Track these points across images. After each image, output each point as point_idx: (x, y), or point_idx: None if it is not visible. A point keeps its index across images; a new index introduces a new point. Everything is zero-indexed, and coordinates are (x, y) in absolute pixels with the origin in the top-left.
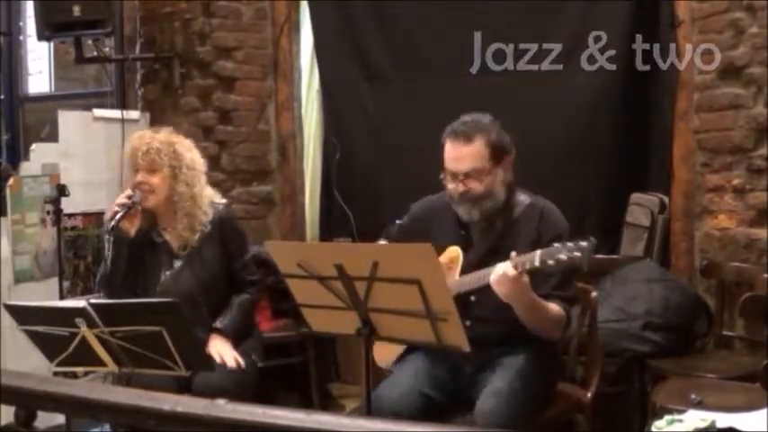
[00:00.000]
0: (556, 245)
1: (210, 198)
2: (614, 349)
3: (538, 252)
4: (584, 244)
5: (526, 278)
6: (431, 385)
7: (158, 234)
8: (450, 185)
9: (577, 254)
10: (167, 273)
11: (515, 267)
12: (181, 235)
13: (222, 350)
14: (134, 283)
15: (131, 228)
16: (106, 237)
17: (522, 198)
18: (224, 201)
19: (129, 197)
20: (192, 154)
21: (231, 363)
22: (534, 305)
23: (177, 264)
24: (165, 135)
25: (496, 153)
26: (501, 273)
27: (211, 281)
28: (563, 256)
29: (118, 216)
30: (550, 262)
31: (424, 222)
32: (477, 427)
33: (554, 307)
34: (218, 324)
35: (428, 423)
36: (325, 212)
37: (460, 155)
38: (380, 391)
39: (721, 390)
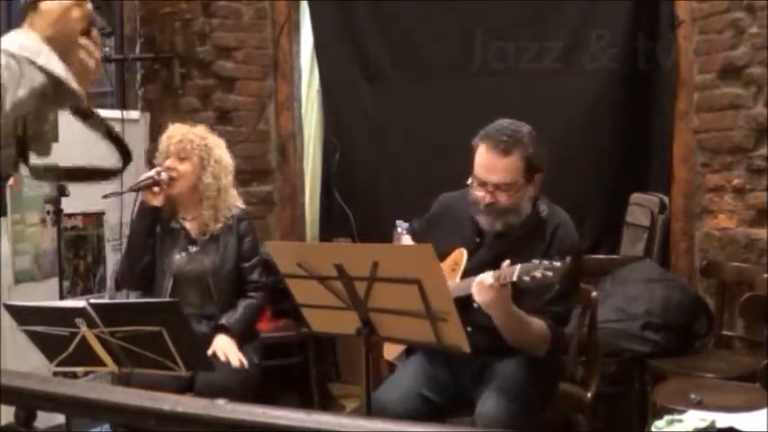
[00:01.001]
0: (534, 261)
1: (234, 198)
2: (614, 349)
3: (518, 267)
4: (557, 264)
5: (508, 291)
6: (430, 387)
7: (177, 221)
8: (478, 193)
9: (549, 273)
10: (182, 254)
11: (496, 279)
12: (205, 223)
13: (228, 350)
14: (153, 256)
15: (153, 199)
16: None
17: (542, 209)
18: (243, 206)
19: (158, 173)
20: (221, 151)
21: (236, 362)
22: (514, 319)
23: (193, 249)
24: (200, 129)
25: (530, 169)
26: (479, 282)
27: (223, 268)
28: (538, 274)
29: (142, 184)
30: (525, 278)
31: (440, 218)
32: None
33: (537, 324)
34: (224, 321)
35: (428, 423)
36: (325, 212)
37: (494, 166)
38: (380, 393)
39: (721, 390)
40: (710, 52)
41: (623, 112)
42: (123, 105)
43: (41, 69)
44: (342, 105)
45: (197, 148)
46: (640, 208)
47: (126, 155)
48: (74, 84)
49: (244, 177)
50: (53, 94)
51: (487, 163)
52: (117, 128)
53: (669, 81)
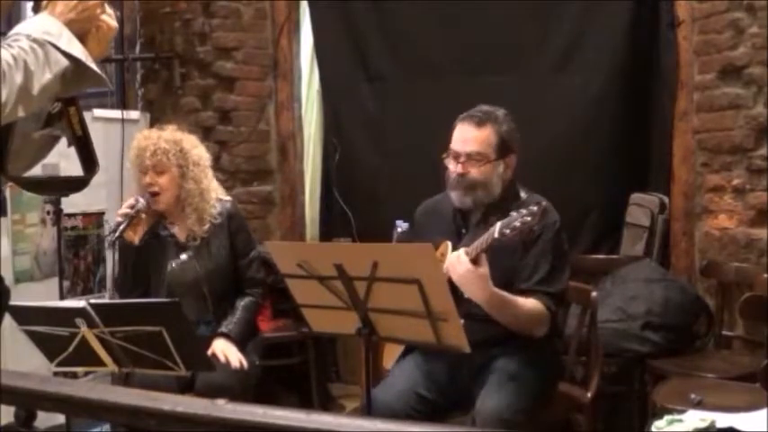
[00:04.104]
0: (512, 213)
1: (217, 192)
2: (614, 349)
3: (498, 224)
4: (534, 208)
5: (484, 269)
6: (427, 386)
7: (164, 227)
8: (451, 165)
9: (528, 218)
10: (174, 264)
11: (467, 254)
12: (190, 228)
13: (227, 351)
14: (147, 280)
15: (135, 236)
16: (107, 243)
17: (522, 196)
18: (229, 198)
19: (132, 206)
20: (197, 150)
21: (236, 363)
22: (495, 298)
23: (183, 255)
24: (170, 133)
25: (503, 146)
26: (451, 257)
27: (217, 272)
28: (517, 223)
29: (121, 227)
30: (507, 231)
31: (424, 222)
32: (476, 427)
33: (529, 302)
34: (223, 329)
35: (428, 423)
36: (325, 212)
37: (467, 136)
38: (376, 393)
39: (721, 390)
40: (710, 52)
41: (623, 111)
42: (123, 105)
43: (64, 53)
44: (342, 105)
45: (173, 157)
46: (640, 208)
47: (90, 165)
48: (95, 66)
49: (244, 177)
50: (74, 77)
51: (461, 135)
52: (117, 127)
53: (669, 81)
